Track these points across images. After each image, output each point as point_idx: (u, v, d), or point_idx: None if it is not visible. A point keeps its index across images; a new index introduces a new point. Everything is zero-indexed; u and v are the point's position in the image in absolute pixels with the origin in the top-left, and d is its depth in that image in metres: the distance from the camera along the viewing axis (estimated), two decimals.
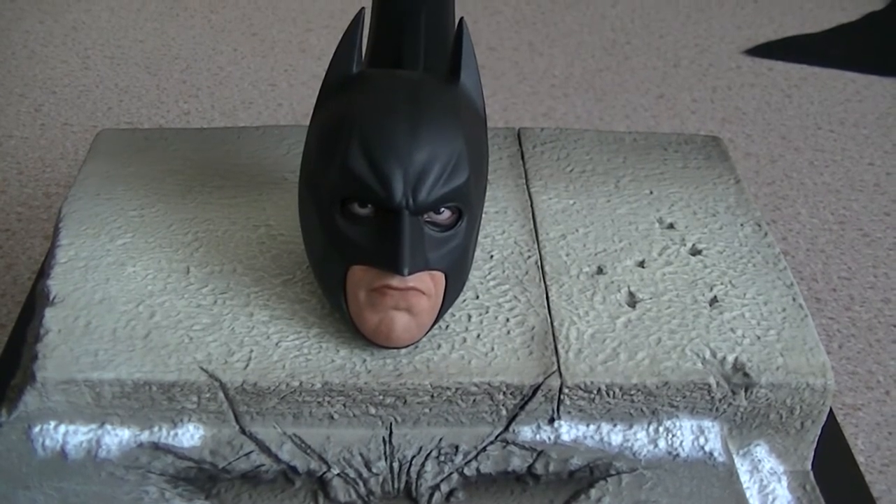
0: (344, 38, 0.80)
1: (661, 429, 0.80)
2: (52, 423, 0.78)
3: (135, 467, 0.77)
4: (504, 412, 0.79)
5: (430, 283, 0.76)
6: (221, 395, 0.77)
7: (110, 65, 1.96)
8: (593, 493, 0.77)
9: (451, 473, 0.78)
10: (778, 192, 1.65)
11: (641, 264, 0.90)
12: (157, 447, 0.78)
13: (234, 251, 0.89)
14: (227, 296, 0.84)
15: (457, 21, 0.83)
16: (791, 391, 0.80)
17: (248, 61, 1.99)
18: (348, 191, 0.75)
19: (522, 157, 1.05)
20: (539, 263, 0.89)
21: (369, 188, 0.74)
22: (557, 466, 0.79)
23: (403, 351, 0.79)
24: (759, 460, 0.83)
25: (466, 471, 0.78)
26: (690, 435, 0.80)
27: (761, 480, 0.82)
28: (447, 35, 0.90)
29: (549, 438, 0.80)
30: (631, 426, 0.81)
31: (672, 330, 0.82)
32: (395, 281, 0.74)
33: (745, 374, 0.79)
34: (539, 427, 0.80)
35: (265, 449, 0.78)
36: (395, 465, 0.78)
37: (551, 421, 0.80)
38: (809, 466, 0.85)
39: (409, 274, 0.73)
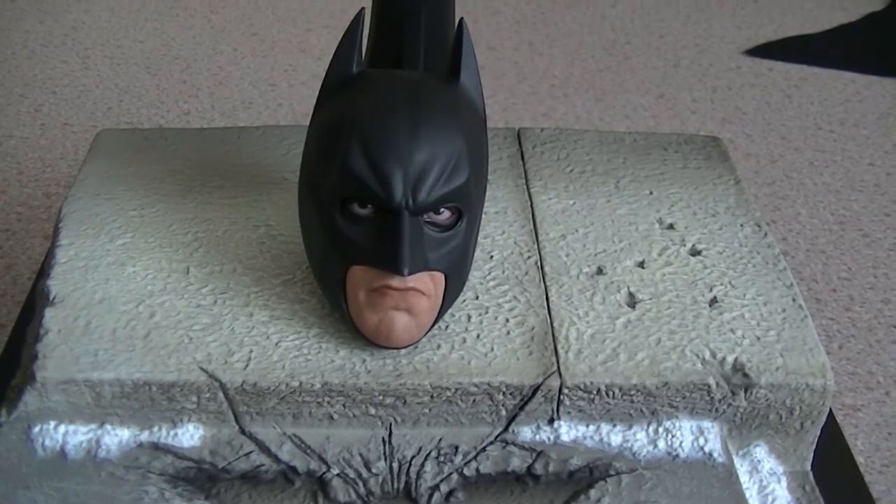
0: (344, 38, 0.80)
1: (660, 429, 0.80)
2: (52, 423, 0.78)
3: (135, 467, 0.77)
4: (504, 412, 0.79)
5: (429, 283, 0.76)
6: (221, 395, 0.77)
7: (110, 65, 1.96)
8: (593, 493, 0.77)
9: (450, 474, 0.78)
10: (778, 192, 1.65)
11: (641, 265, 0.90)
12: (156, 447, 0.78)
13: (234, 251, 0.89)
14: (227, 296, 0.84)
15: (457, 21, 0.83)
16: (791, 392, 0.80)
17: (248, 61, 1.99)
18: (348, 191, 0.75)
19: (522, 158, 1.05)
20: (539, 264, 0.89)
21: (369, 188, 0.74)
22: (557, 467, 0.79)
23: (403, 351, 0.79)
24: (759, 461, 0.83)
25: (466, 471, 0.78)
26: (690, 435, 0.80)
27: (761, 481, 0.82)
28: (447, 35, 0.90)
29: (549, 439, 0.80)
30: (630, 427, 0.81)
31: (672, 330, 0.82)
32: (395, 281, 0.74)
33: (745, 375, 0.79)
34: (539, 427, 0.80)
35: (265, 449, 0.78)
36: (395, 465, 0.78)
37: (551, 421, 0.80)
38: (809, 467, 0.85)
39: (409, 274, 0.73)
